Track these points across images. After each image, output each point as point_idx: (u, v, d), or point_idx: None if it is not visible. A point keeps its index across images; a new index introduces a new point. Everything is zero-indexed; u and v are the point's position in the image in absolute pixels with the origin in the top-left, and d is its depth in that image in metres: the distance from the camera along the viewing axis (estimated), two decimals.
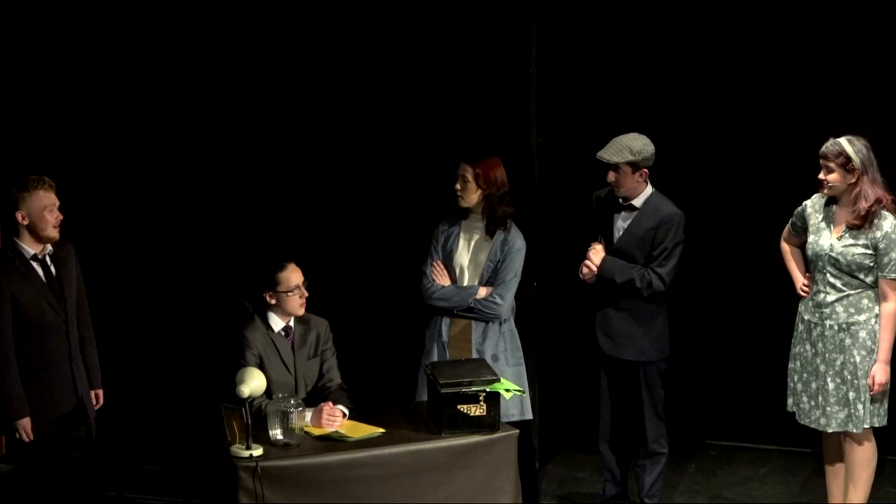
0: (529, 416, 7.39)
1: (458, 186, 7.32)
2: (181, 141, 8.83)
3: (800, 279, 7.13)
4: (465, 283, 7.36)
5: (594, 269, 7.28)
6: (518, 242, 7.32)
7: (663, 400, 7.38)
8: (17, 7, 8.49)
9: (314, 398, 6.85)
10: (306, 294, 6.86)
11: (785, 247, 7.24)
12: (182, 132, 8.82)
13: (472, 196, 7.31)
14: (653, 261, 7.23)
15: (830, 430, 6.97)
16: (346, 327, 7.44)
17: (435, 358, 7.27)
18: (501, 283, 7.28)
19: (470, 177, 7.29)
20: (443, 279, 7.36)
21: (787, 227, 7.20)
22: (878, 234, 6.85)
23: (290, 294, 6.83)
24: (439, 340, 7.33)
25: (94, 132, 8.79)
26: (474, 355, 7.23)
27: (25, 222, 6.64)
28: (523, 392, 7.15)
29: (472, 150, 7.42)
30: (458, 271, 7.37)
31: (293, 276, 6.84)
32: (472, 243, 7.38)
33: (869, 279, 6.90)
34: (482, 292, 7.30)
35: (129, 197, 8.86)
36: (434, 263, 7.39)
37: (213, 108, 8.76)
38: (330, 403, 6.67)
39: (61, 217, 6.70)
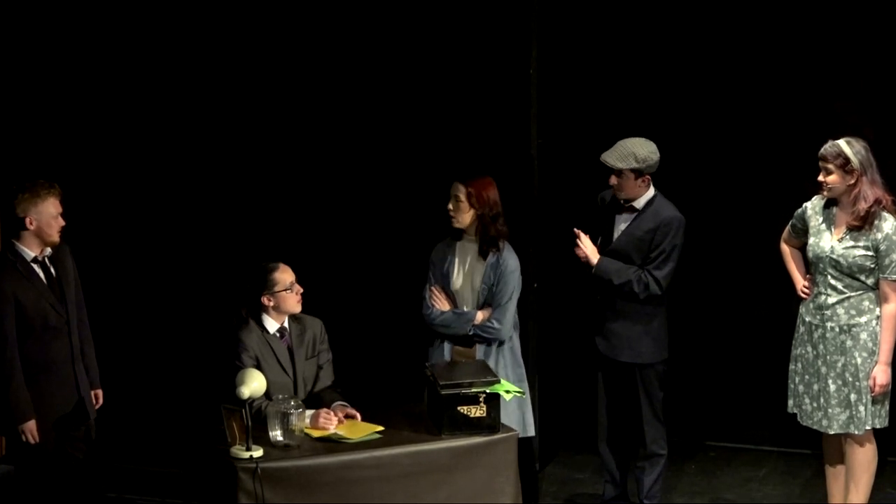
0: (532, 432, 7.35)
1: (450, 206, 7.27)
2: (179, 144, 8.83)
3: (800, 281, 7.13)
4: (465, 307, 7.33)
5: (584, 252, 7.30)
6: (511, 263, 7.26)
7: (661, 401, 7.38)
8: (13, 8, 8.49)
9: (312, 399, 6.84)
10: (301, 290, 6.89)
11: (785, 248, 7.23)
12: (179, 136, 8.82)
13: (465, 216, 7.26)
14: (650, 263, 7.23)
15: (832, 432, 6.97)
16: (345, 329, 7.44)
17: None
18: (498, 307, 7.24)
19: (462, 196, 7.24)
20: (442, 304, 7.34)
21: (787, 228, 7.20)
22: (879, 235, 6.85)
23: (286, 292, 6.84)
24: (442, 359, 7.30)
25: (90, 135, 8.79)
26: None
27: (33, 226, 6.63)
28: (523, 394, 7.14)
29: (465, 170, 7.38)
30: (456, 296, 7.34)
31: (286, 275, 6.87)
32: (467, 266, 7.33)
33: (870, 281, 6.90)
34: (479, 317, 7.27)
35: (128, 198, 8.87)
36: (432, 289, 7.37)
37: (211, 115, 8.77)
38: (325, 410, 6.67)
39: (63, 223, 6.71)
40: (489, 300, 7.27)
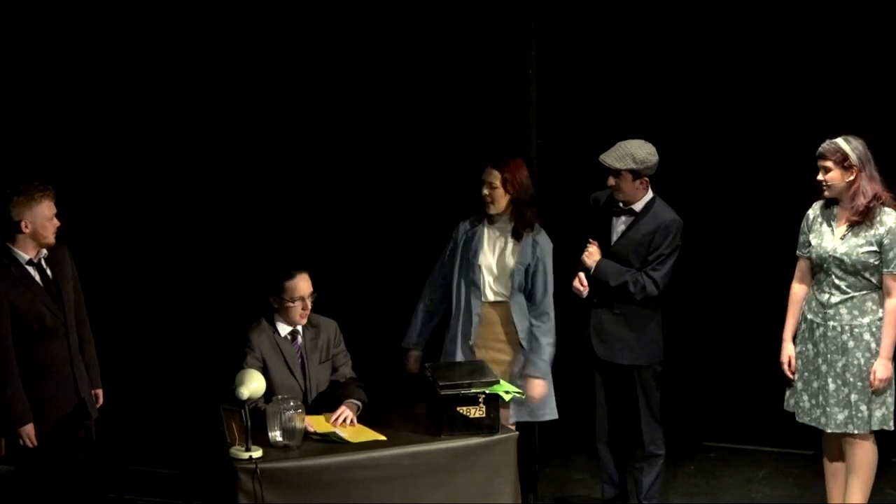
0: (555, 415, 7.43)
1: (485, 192, 7.21)
2: (183, 140, 8.83)
3: (787, 347, 7.08)
4: (488, 286, 7.28)
5: (585, 283, 7.29)
6: (548, 246, 7.28)
7: (659, 402, 7.39)
8: (8, 8, 8.49)
9: (325, 402, 6.83)
10: (309, 307, 6.84)
11: (793, 294, 7.11)
12: (183, 131, 8.82)
13: (501, 202, 7.22)
14: (647, 265, 7.23)
15: (829, 431, 6.98)
16: (345, 329, 7.44)
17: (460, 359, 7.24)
18: (544, 299, 7.28)
19: (497, 182, 7.20)
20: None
21: (797, 263, 7.07)
22: (882, 230, 6.85)
23: (292, 304, 6.81)
24: (465, 343, 7.28)
25: (91, 134, 8.79)
26: (520, 335, 7.24)
27: (28, 230, 6.62)
28: (522, 394, 7.13)
29: (496, 153, 7.34)
30: (482, 273, 7.28)
31: (301, 285, 6.81)
32: (497, 247, 7.29)
33: (875, 279, 6.89)
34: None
35: (127, 198, 8.87)
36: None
37: (215, 105, 8.76)
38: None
39: (59, 223, 6.70)
40: (521, 283, 7.23)
